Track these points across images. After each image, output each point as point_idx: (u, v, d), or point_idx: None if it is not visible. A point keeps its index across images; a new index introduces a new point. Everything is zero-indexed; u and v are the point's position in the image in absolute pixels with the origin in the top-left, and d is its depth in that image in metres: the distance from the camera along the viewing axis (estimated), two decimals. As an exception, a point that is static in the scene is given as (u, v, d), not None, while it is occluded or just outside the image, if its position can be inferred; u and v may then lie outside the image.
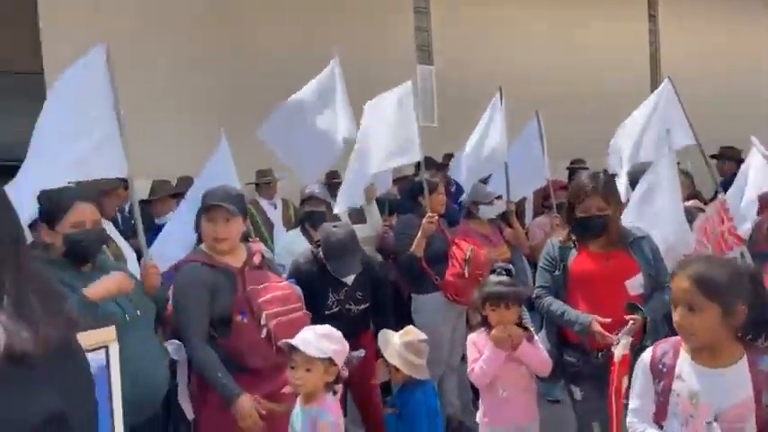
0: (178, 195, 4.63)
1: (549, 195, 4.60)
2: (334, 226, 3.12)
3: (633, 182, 3.51)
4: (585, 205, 2.72)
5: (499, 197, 4.33)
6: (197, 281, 2.55)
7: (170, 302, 2.63)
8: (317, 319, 2.69)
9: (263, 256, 2.79)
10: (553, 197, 4.54)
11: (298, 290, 2.83)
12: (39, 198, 2.30)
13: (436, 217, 3.67)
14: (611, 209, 2.74)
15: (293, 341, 2.18)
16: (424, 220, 3.63)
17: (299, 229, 4.02)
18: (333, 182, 5.10)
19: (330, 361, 2.19)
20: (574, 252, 2.81)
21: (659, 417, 1.87)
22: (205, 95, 5.55)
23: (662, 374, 1.86)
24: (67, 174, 2.47)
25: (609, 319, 2.57)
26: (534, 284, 4.23)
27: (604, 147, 4.57)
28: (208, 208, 2.61)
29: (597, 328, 2.58)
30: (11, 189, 2.52)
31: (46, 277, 1.05)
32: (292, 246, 3.81)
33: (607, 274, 2.69)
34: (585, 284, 2.74)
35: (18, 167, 2.57)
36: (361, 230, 3.75)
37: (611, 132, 4.50)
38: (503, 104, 4.53)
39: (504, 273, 2.83)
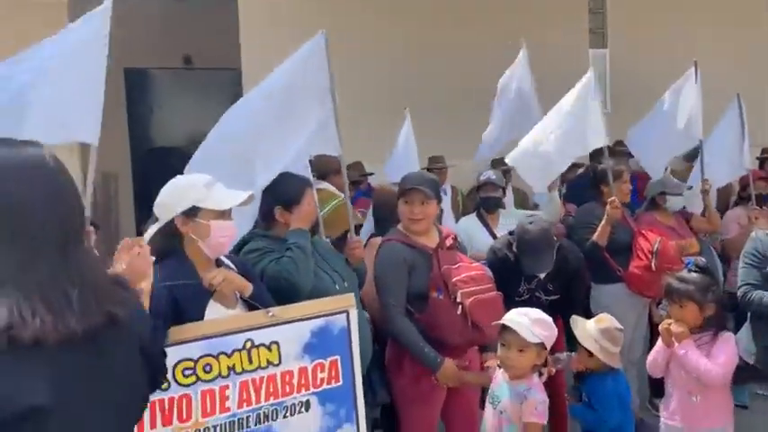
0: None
1: (748, 185, 4.24)
2: (530, 222, 3.13)
3: None
4: None
5: (689, 188, 4.09)
6: (397, 258, 2.73)
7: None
8: (507, 304, 2.76)
9: (454, 239, 2.92)
10: (752, 188, 4.18)
11: (488, 271, 2.92)
12: (274, 180, 2.57)
13: (618, 202, 3.56)
14: None
15: (508, 322, 2.25)
16: (607, 207, 3.54)
17: (474, 215, 4.10)
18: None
19: (541, 345, 2.25)
20: None
21: None
22: (381, 85, 5.80)
23: None
24: (292, 152, 2.74)
25: None
26: (725, 281, 4.03)
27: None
28: (405, 191, 2.77)
29: None
30: (236, 166, 2.82)
31: (99, 274, 1.04)
32: (468, 230, 3.91)
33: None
34: (806, 282, 2.53)
35: None
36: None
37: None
38: (698, 80, 4.23)
39: (695, 269, 2.70)
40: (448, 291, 2.67)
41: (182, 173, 3.07)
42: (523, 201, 5.38)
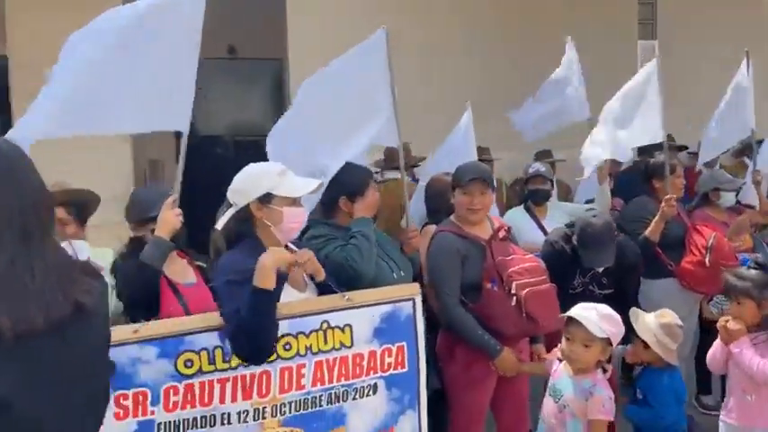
0: None
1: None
2: (594, 216, 3.11)
3: None
4: None
5: (743, 184, 4.01)
6: (450, 248, 2.74)
7: None
8: (560, 297, 2.76)
9: (507, 230, 2.92)
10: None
11: (541, 263, 2.92)
12: (339, 171, 2.62)
13: (674, 199, 3.52)
14: None
15: (576, 316, 2.23)
16: (662, 203, 3.49)
17: (522, 207, 4.09)
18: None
19: (607, 341, 2.24)
20: None
21: None
22: (423, 79, 5.78)
23: None
24: (350, 143, 2.79)
25: None
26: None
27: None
28: (467, 182, 2.76)
29: None
30: (299, 155, 2.88)
31: (65, 263, 1.01)
32: (516, 223, 3.88)
33: None
34: None
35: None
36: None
37: None
38: (750, 71, 4.15)
39: (753, 266, 2.67)
40: (502, 282, 2.68)
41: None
42: (567, 194, 5.33)
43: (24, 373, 0.93)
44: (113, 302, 2.30)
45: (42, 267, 0.96)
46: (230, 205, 2.06)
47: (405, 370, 2.17)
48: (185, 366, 1.84)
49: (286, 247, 2.13)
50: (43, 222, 1.01)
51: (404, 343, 2.16)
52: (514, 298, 2.64)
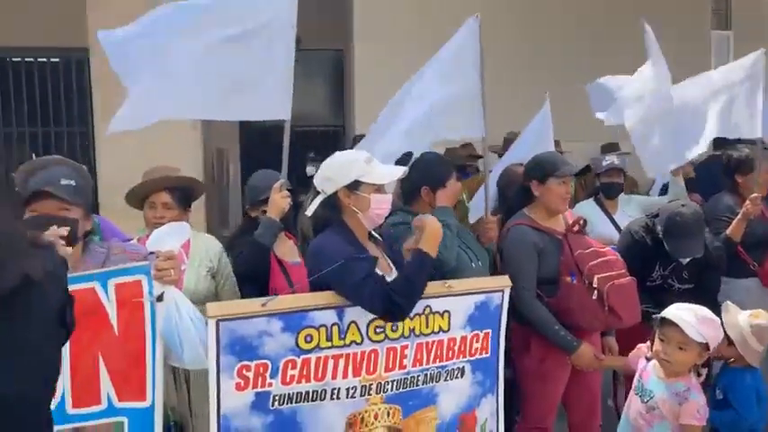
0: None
1: None
2: (683, 205, 3.02)
3: None
4: None
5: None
6: (526, 241, 2.73)
7: None
8: (638, 289, 2.71)
9: (583, 223, 2.88)
10: None
11: (619, 256, 2.87)
12: (419, 161, 2.65)
13: (759, 197, 3.39)
14: None
15: (672, 317, 2.15)
16: (747, 202, 3.37)
17: (592, 200, 4.02)
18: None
19: (705, 345, 2.16)
20: None
21: None
22: (527, 63, 5.69)
23: None
24: (433, 131, 2.82)
25: None
26: None
27: None
28: (565, 173, 2.76)
29: None
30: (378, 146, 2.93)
31: (14, 235, 1.00)
32: (586, 216, 3.81)
33: None
34: None
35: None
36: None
37: None
38: None
39: None
40: (581, 275, 2.65)
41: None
42: (633, 187, 5.21)
43: None
44: (207, 282, 2.42)
45: None
46: (317, 192, 2.11)
47: (487, 356, 2.24)
48: (305, 341, 1.91)
49: (370, 234, 2.18)
50: None
51: (489, 330, 2.23)
52: (596, 291, 2.61)
